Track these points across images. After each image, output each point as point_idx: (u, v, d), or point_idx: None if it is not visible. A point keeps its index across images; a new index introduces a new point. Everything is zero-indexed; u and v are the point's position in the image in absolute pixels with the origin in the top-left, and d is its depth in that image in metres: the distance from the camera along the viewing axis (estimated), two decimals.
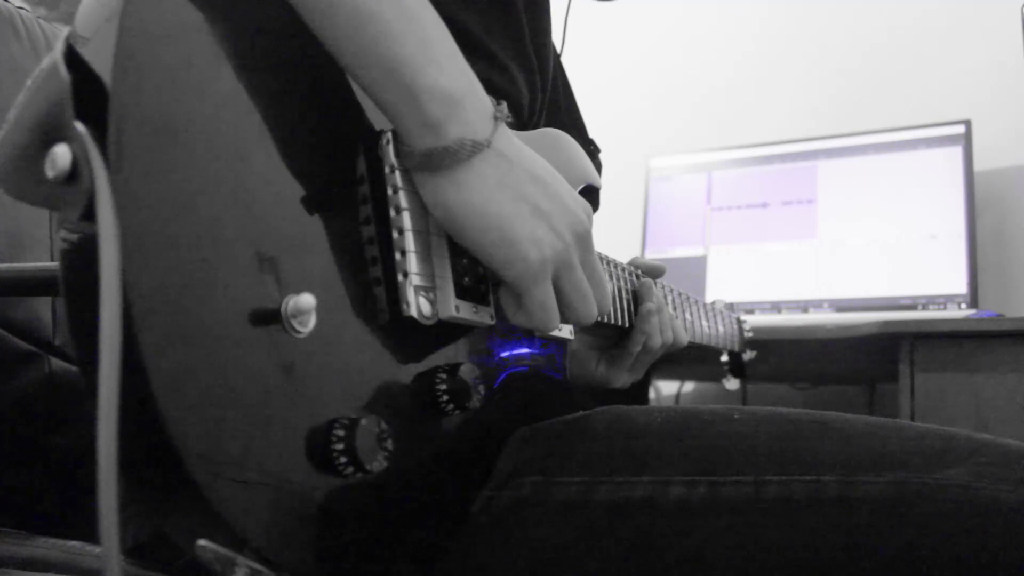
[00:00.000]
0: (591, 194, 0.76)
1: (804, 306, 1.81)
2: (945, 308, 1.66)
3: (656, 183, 2.04)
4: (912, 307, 1.69)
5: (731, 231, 1.93)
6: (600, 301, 0.59)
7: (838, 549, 0.50)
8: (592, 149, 0.83)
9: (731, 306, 1.16)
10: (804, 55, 2.09)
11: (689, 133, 2.15)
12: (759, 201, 1.92)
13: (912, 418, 1.38)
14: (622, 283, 0.80)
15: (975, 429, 0.60)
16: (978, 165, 1.72)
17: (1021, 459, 0.51)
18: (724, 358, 1.15)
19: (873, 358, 1.61)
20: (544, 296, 0.54)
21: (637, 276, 0.85)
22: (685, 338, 0.87)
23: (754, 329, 1.21)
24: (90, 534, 0.35)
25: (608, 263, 0.79)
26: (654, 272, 0.90)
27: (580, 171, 0.73)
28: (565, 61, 0.92)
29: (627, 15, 2.31)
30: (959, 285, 1.66)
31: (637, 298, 0.82)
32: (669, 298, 0.90)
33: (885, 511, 0.50)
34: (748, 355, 1.17)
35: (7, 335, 0.76)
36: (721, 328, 1.07)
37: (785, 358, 1.73)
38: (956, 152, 1.73)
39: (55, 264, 0.39)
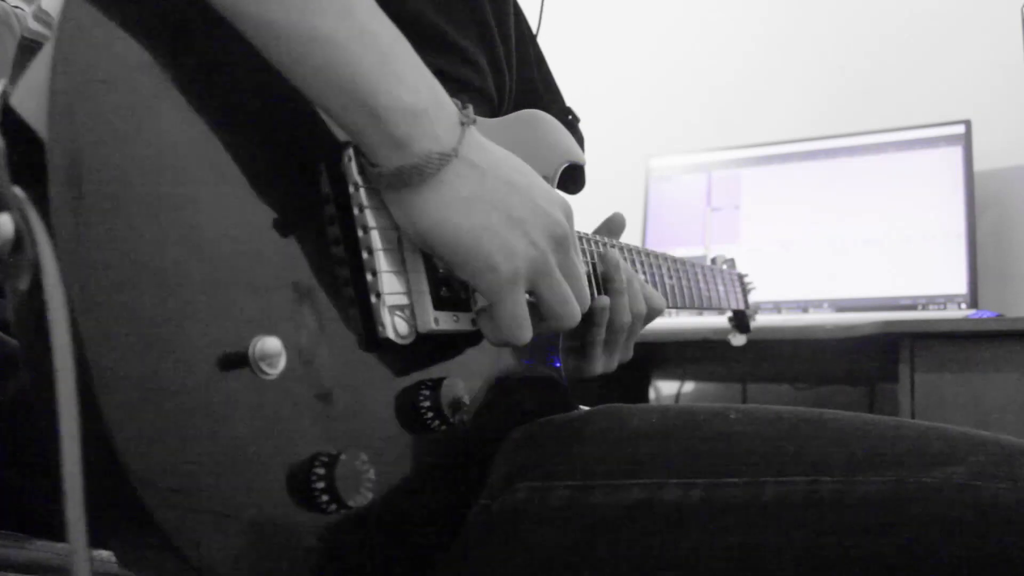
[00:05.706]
0: (575, 171, 0.73)
1: (804, 306, 1.80)
2: (945, 308, 1.66)
3: (656, 183, 2.04)
4: (912, 307, 1.69)
5: (731, 231, 1.93)
6: (580, 300, 0.58)
7: (836, 549, 0.50)
8: (571, 119, 0.81)
9: (732, 262, 1.13)
10: (804, 55, 2.09)
11: (689, 133, 2.15)
12: (759, 201, 1.92)
13: (912, 418, 1.38)
14: (587, 263, 0.71)
15: (975, 428, 0.60)
16: (978, 165, 1.72)
17: (1020, 457, 0.51)
18: (728, 315, 1.13)
19: (873, 358, 1.61)
20: (514, 307, 0.53)
21: (603, 245, 0.73)
22: (663, 303, 0.79)
23: (754, 329, 1.20)
24: (89, 538, 0.35)
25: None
26: (614, 226, 0.82)
27: (563, 151, 0.71)
28: (564, 61, 0.91)
29: (628, 15, 2.31)
30: (959, 285, 1.66)
31: (603, 275, 0.72)
32: (638, 263, 0.81)
33: (883, 511, 0.49)
34: (753, 317, 1.15)
35: (4, 336, 0.76)
36: (721, 288, 1.04)
37: (785, 358, 1.73)
38: (956, 152, 1.73)
39: None
